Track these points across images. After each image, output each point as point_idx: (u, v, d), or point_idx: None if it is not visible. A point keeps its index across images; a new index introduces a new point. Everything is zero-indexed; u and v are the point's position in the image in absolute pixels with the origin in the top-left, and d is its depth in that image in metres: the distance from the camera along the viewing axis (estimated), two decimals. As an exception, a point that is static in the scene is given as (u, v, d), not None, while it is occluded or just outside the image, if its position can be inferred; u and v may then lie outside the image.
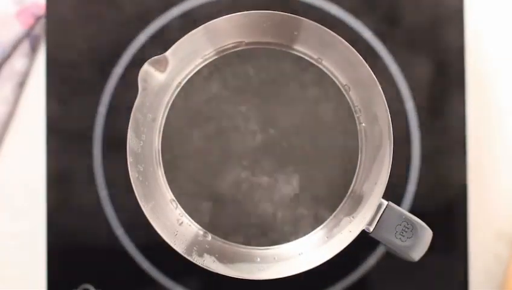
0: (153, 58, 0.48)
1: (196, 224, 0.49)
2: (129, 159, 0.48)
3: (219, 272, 0.47)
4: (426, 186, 0.59)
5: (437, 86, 0.60)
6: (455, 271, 0.59)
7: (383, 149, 0.48)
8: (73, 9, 0.60)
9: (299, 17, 0.48)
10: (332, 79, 0.50)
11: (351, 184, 0.49)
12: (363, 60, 0.48)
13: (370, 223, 0.47)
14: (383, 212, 0.47)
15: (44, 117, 0.59)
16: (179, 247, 0.47)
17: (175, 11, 0.60)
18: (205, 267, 0.47)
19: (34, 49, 0.62)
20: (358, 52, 0.48)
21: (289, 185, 0.49)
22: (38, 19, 0.62)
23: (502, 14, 0.62)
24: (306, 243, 0.49)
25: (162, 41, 0.58)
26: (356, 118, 0.49)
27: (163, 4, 0.60)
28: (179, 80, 0.49)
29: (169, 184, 0.49)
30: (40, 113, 0.60)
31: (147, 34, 0.60)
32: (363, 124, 0.49)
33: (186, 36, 0.48)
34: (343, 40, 0.48)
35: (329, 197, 0.49)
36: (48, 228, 0.59)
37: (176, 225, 0.48)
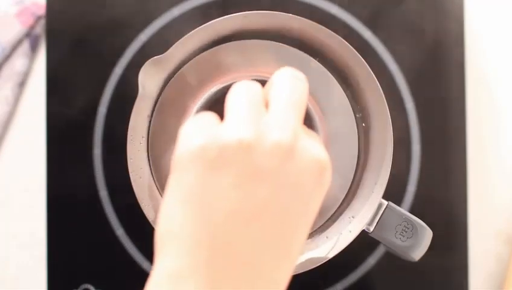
0: (153, 58, 0.48)
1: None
2: (129, 159, 0.48)
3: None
4: (426, 186, 0.59)
5: (437, 86, 0.60)
6: (455, 271, 0.59)
7: (383, 149, 0.48)
8: (73, 10, 0.60)
9: (299, 17, 0.48)
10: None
11: (351, 184, 0.49)
12: (363, 60, 0.48)
13: (370, 223, 0.47)
14: (383, 212, 0.47)
15: (44, 117, 0.59)
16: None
17: (175, 11, 0.60)
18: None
19: (34, 49, 0.62)
20: (358, 52, 0.48)
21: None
22: (38, 19, 0.62)
23: (502, 14, 0.62)
24: (306, 243, 0.49)
25: (162, 41, 0.58)
26: (356, 119, 0.49)
27: (163, 4, 0.60)
28: (179, 80, 0.49)
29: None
30: (40, 113, 0.60)
31: (147, 34, 0.60)
32: (363, 124, 0.49)
33: (186, 36, 0.48)
34: (343, 40, 0.48)
35: (330, 198, 0.49)
36: (47, 227, 0.59)
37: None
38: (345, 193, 0.49)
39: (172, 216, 0.36)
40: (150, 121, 0.49)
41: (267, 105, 0.38)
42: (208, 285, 0.34)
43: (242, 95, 0.38)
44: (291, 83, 0.38)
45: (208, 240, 0.35)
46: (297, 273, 0.48)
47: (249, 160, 0.35)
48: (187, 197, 0.35)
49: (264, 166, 0.35)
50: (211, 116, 0.38)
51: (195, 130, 0.36)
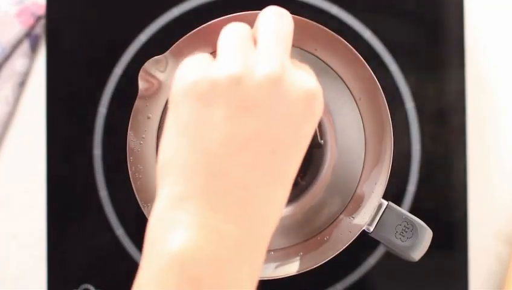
0: (153, 58, 0.48)
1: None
2: (129, 159, 0.48)
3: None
4: (426, 186, 0.59)
5: (437, 86, 0.60)
6: (455, 271, 0.59)
7: (383, 149, 0.48)
8: (73, 10, 0.60)
9: (299, 17, 0.48)
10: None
11: (353, 185, 0.49)
12: (363, 60, 0.48)
13: (370, 223, 0.47)
14: (383, 212, 0.47)
15: (44, 117, 0.59)
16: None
17: (175, 11, 0.60)
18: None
19: (34, 49, 0.62)
20: (358, 52, 0.48)
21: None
22: (38, 19, 0.62)
23: (502, 13, 0.62)
24: (306, 244, 0.49)
25: (162, 41, 0.58)
26: (362, 118, 0.49)
27: (163, 4, 0.60)
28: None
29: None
30: (40, 113, 0.60)
31: (147, 34, 0.60)
32: (364, 125, 0.49)
33: (186, 36, 0.48)
34: (343, 40, 0.48)
35: (340, 193, 0.49)
36: (47, 228, 0.59)
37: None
38: (354, 189, 0.49)
39: (170, 149, 0.38)
40: (161, 120, 0.49)
41: (256, 43, 0.40)
42: (206, 208, 0.36)
43: (231, 35, 0.40)
44: (277, 19, 0.40)
45: (203, 167, 0.37)
46: (297, 273, 0.48)
47: (239, 92, 0.37)
48: (182, 130, 0.38)
49: (254, 98, 0.37)
50: (204, 55, 0.40)
51: (189, 68, 0.39)
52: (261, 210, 0.38)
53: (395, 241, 0.47)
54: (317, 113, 0.39)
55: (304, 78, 0.39)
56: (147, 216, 0.48)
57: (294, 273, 0.48)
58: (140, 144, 0.48)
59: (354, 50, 0.48)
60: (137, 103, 0.48)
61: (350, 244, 0.48)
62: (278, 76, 0.37)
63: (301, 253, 0.49)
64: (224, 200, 0.37)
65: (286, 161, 0.38)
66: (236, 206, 0.37)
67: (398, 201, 0.59)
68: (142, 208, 0.48)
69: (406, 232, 0.47)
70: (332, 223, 0.49)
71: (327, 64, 0.49)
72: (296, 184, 0.50)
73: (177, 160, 0.37)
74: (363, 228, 0.47)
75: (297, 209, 0.50)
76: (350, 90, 0.49)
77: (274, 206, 0.38)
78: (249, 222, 0.37)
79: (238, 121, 0.37)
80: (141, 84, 0.48)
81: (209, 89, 0.37)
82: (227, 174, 0.37)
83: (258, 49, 0.39)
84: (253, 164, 0.37)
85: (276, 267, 0.48)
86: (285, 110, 0.38)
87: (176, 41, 0.48)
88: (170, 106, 0.39)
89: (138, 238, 0.59)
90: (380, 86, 0.48)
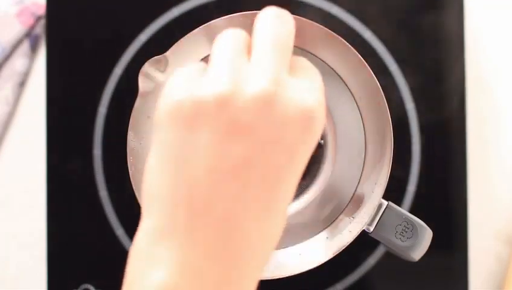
0: (153, 58, 0.48)
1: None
2: (129, 159, 0.48)
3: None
4: (426, 186, 0.59)
5: (437, 86, 0.60)
6: (455, 271, 0.59)
7: (383, 149, 0.48)
8: (73, 10, 0.60)
9: (300, 17, 0.48)
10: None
11: (353, 185, 0.49)
12: (363, 60, 0.48)
13: (370, 223, 0.47)
14: (383, 212, 0.47)
15: (44, 117, 0.59)
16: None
17: (175, 11, 0.60)
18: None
19: (34, 49, 0.62)
20: (358, 52, 0.48)
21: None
22: (38, 19, 0.62)
23: (502, 13, 0.62)
24: (306, 244, 0.49)
25: (162, 41, 0.58)
26: (362, 118, 0.49)
27: (163, 4, 0.60)
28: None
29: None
30: (40, 113, 0.60)
31: (147, 34, 0.60)
32: (364, 125, 0.49)
33: (186, 36, 0.48)
34: (343, 40, 0.48)
35: (340, 193, 0.49)
36: (47, 228, 0.59)
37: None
38: (354, 189, 0.49)
39: (153, 177, 0.35)
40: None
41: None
42: (185, 244, 0.34)
43: (225, 46, 0.36)
44: (274, 24, 0.37)
45: (186, 199, 0.34)
46: (297, 273, 0.48)
47: (226, 115, 0.33)
48: (166, 157, 0.34)
49: (242, 121, 0.33)
50: (196, 67, 0.36)
51: (178, 84, 0.35)
52: (248, 244, 0.34)
53: (395, 241, 0.47)
54: (315, 133, 0.35)
55: (302, 94, 0.35)
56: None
57: (294, 274, 0.48)
58: (140, 144, 0.48)
59: (354, 50, 0.48)
60: (137, 102, 0.48)
61: (350, 244, 0.48)
62: (270, 94, 0.34)
63: (301, 253, 0.49)
64: (206, 235, 0.34)
65: (278, 188, 0.34)
66: (219, 241, 0.34)
67: (398, 201, 0.59)
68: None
69: (406, 232, 0.47)
70: (332, 223, 0.49)
71: (327, 64, 0.49)
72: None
73: (159, 191, 0.34)
74: (363, 228, 0.47)
75: (297, 209, 0.50)
76: (350, 90, 0.49)
77: (263, 238, 0.35)
78: (232, 257, 0.34)
79: (224, 148, 0.33)
80: (141, 84, 0.48)
81: (194, 111, 0.34)
82: (211, 208, 0.34)
83: (252, 62, 0.35)
84: (241, 194, 0.34)
85: (276, 267, 0.48)
86: (279, 133, 0.34)
87: (176, 41, 0.48)
88: (155, 128, 0.35)
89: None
90: (380, 86, 0.48)
